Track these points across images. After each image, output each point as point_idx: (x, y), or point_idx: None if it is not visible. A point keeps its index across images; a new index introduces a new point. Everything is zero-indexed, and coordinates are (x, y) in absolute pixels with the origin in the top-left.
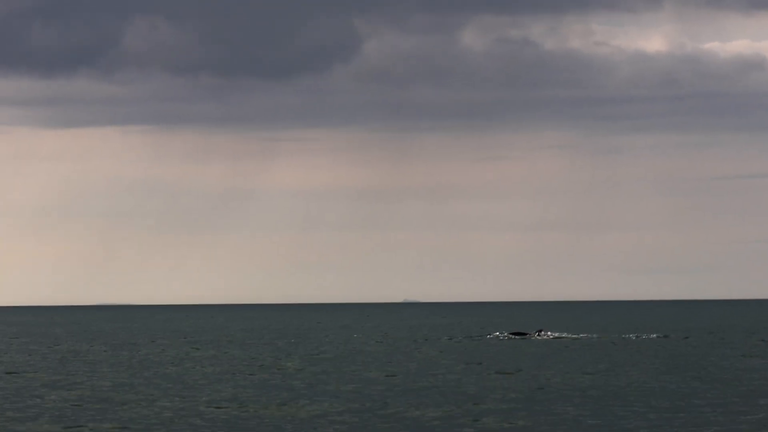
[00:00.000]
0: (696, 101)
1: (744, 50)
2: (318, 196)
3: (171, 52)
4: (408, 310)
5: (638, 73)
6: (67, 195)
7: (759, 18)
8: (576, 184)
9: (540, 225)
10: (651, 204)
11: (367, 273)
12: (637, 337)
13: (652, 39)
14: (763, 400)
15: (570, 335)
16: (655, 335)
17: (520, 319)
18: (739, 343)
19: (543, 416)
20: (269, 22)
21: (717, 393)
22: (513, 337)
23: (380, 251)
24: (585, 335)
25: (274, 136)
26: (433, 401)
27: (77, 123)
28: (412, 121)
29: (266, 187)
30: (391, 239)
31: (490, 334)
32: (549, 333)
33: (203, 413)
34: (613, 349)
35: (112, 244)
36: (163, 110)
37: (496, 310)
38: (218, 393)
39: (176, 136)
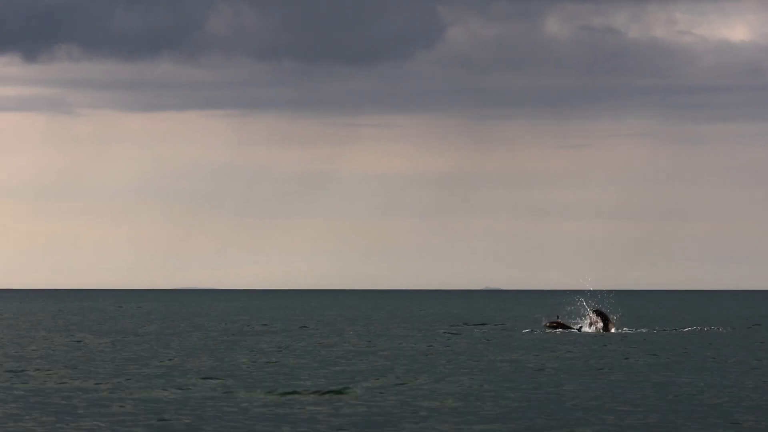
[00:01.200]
0: None
1: None
2: (398, 182)
3: (254, 37)
4: (481, 298)
5: (721, 63)
6: (148, 179)
7: None
8: (657, 173)
9: (620, 213)
10: (733, 194)
11: (446, 260)
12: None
13: (736, 28)
14: None
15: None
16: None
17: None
18: None
19: None
20: (352, 7)
21: None
22: (552, 331)
23: (460, 238)
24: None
25: (355, 122)
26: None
27: (159, 107)
28: (494, 108)
29: (346, 173)
30: (471, 226)
31: (529, 328)
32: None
33: None
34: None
35: (192, 228)
36: (245, 95)
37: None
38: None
39: (257, 121)
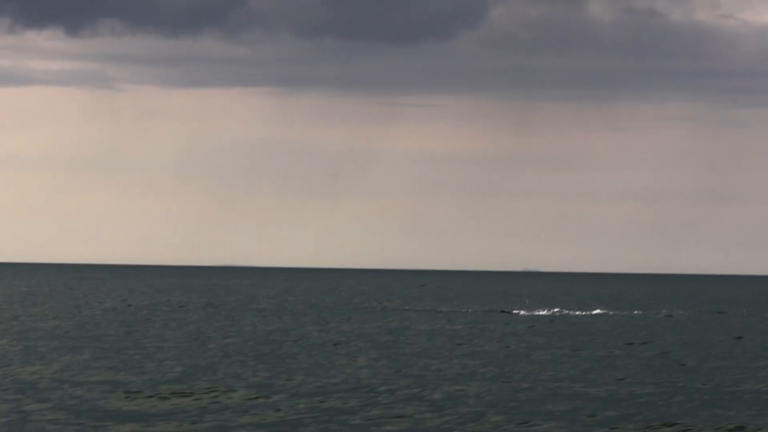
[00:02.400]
0: None
1: None
2: (440, 162)
3: (297, 14)
4: (522, 279)
5: (764, 47)
6: (190, 154)
7: None
8: (699, 156)
9: (661, 196)
10: None
11: (487, 240)
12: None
13: None
14: None
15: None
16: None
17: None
18: None
19: None
20: None
21: None
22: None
23: (501, 219)
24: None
25: (398, 101)
26: None
27: (202, 83)
28: (536, 89)
29: (388, 152)
30: (512, 207)
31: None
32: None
33: None
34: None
35: (234, 205)
36: (288, 72)
37: (608, 281)
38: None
39: (300, 99)
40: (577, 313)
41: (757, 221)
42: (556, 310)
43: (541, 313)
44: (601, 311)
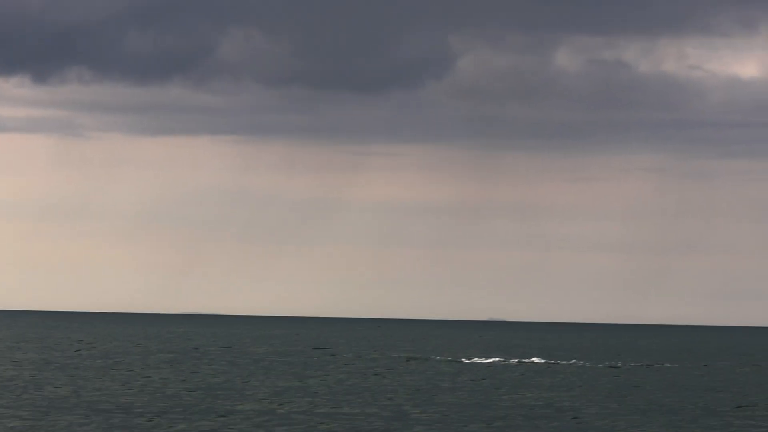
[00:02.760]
0: None
1: None
2: (405, 211)
3: (264, 63)
4: (484, 329)
5: (732, 98)
6: (156, 202)
7: None
8: (665, 208)
9: (628, 247)
10: (742, 230)
11: (452, 290)
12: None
13: (747, 64)
14: None
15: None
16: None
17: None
18: None
19: None
20: (363, 36)
21: None
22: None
23: (466, 268)
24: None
25: (364, 150)
26: None
27: (169, 131)
28: (503, 139)
29: (354, 200)
30: (477, 257)
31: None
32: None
33: None
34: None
35: (199, 253)
36: (255, 121)
37: (575, 331)
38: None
39: (267, 147)
40: (513, 361)
41: (724, 271)
42: (495, 359)
43: (480, 360)
44: (538, 360)
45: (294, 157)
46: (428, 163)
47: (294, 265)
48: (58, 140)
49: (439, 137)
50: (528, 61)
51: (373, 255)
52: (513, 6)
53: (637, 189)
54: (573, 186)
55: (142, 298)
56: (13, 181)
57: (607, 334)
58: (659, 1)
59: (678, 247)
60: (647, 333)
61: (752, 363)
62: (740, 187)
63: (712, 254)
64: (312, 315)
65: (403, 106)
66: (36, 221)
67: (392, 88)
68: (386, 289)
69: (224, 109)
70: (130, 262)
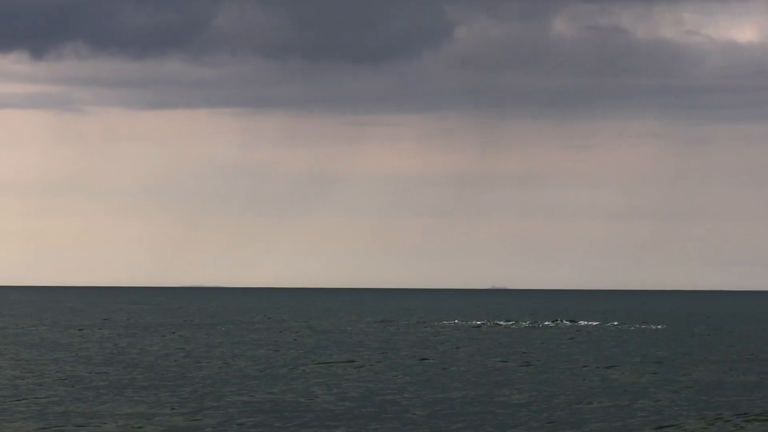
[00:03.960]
0: None
1: None
2: (405, 182)
3: (261, 36)
4: (487, 297)
5: (729, 63)
6: (156, 176)
7: None
8: (664, 173)
9: (627, 213)
10: (740, 194)
11: (454, 259)
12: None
13: (744, 28)
14: None
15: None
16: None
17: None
18: None
19: None
20: (359, 7)
21: None
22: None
23: (468, 237)
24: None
25: (363, 121)
26: None
27: (167, 105)
28: (501, 107)
29: (354, 172)
30: (478, 226)
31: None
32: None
33: None
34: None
35: (200, 226)
36: (253, 93)
37: (579, 297)
38: None
39: (265, 119)
40: (502, 323)
41: (722, 237)
42: (479, 322)
43: (472, 323)
44: (568, 322)
45: (293, 129)
46: (428, 132)
47: (295, 236)
48: (57, 115)
49: (438, 107)
50: (524, 28)
51: (374, 226)
52: None
53: (636, 155)
54: (573, 153)
55: (142, 271)
56: (12, 156)
57: (610, 299)
58: None
59: (677, 213)
60: (648, 298)
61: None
62: (739, 152)
63: (712, 219)
64: (314, 286)
65: (402, 76)
66: (35, 197)
67: (390, 58)
68: (388, 260)
69: (222, 82)
70: (129, 235)
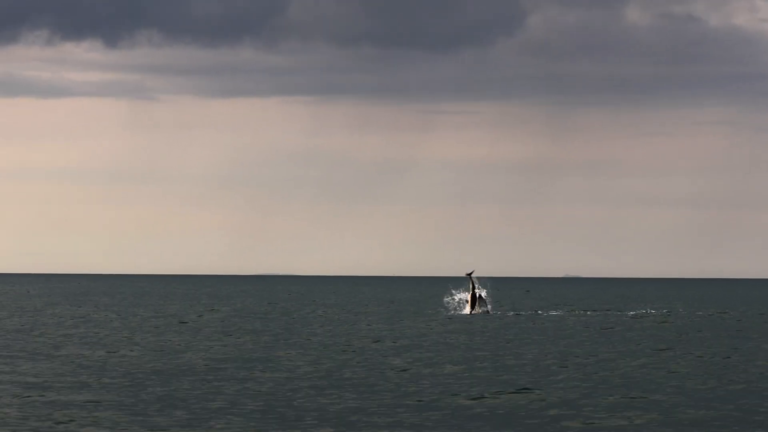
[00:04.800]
0: None
1: None
2: (477, 170)
3: (333, 23)
4: (559, 285)
5: None
6: (227, 165)
7: None
8: (737, 161)
9: (699, 202)
10: None
11: (526, 247)
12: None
13: None
14: None
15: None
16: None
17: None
18: None
19: None
20: None
21: None
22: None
23: (540, 225)
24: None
25: (435, 108)
26: None
27: (240, 93)
28: (574, 95)
29: (425, 159)
30: (550, 213)
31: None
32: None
33: None
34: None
35: (271, 214)
36: (325, 81)
37: (651, 285)
38: None
39: (337, 107)
40: (630, 314)
41: None
42: (531, 311)
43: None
44: (653, 311)
45: (364, 116)
46: (499, 121)
47: (366, 225)
48: (130, 103)
49: (510, 95)
50: (598, 16)
51: (444, 214)
52: None
53: (708, 143)
54: (644, 141)
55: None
56: (85, 145)
57: (682, 287)
58: None
59: (750, 201)
60: (719, 286)
61: None
62: None
63: None
64: (384, 274)
65: (473, 64)
66: (108, 185)
67: (462, 46)
68: (459, 248)
69: (294, 70)
70: (202, 224)
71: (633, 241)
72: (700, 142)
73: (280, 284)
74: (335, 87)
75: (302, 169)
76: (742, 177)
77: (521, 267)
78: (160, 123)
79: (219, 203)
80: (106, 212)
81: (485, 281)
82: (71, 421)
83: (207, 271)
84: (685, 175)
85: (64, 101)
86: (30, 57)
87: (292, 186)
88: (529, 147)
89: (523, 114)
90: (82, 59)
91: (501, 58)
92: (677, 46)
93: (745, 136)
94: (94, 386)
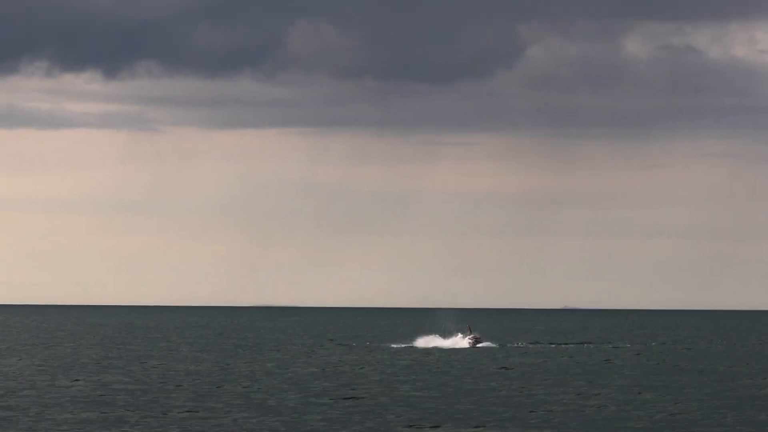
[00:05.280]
0: None
1: None
2: (478, 201)
3: (334, 56)
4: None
5: None
6: (227, 195)
7: None
8: (737, 193)
9: (700, 233)
10: None
11: (526, 278)
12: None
13: None
14: None
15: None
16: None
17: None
18: None
19: None
20: (433, 27)
21: None
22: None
23: (540, 257)
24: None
25: (436, 140)
26: None
27: (240, 124)
28: (574, 127)
29: (426, 191)
30: (550, 245)
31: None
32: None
33: None
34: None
35: (272, 245)
36: (326, 113)
37: (653, 317)
38: None
39: (337, 139)
40: (551, 344)
41: None
42: (520, 344)
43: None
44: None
45: (365, 148)
46: (500, 152)
47: (366, 256)
48: (130, 135)
49: (511, 126)
50: (598, 48)
51: (446, 245)
52: None
53: (708, 175)
54: (645, 173)
55: (215, 291)
56: (86, 176)
57: (687, 319)
58: None
59: (751, 233)
60: (722, 318)
61: None
62: None
63: None
64: (384, 306)
65: (474, 96)
66: (109, 215)
67: (462, 78)
68: (460, 279)
69: (294, 102)
70: (203, 255)
71: (633, 272)
72: (701, 173)
73: (281, 316)
74: (336, 119)
75: (303, 200)
76: (742, 208)
77: (521, 298)
78: (161, 154)
79: (219, 234)
80: (108, 243)
81: (474, 312)
82: None
83: (207, 302)
84: (685, 206)
85: (64, 132)
86: (30, 88)
87: (292, 217)
88: (530, 178)
89: (524, 146)
90: (82, 90)
91: (501, 90)
92: (677, 78)
93: (745, 167)
94: None
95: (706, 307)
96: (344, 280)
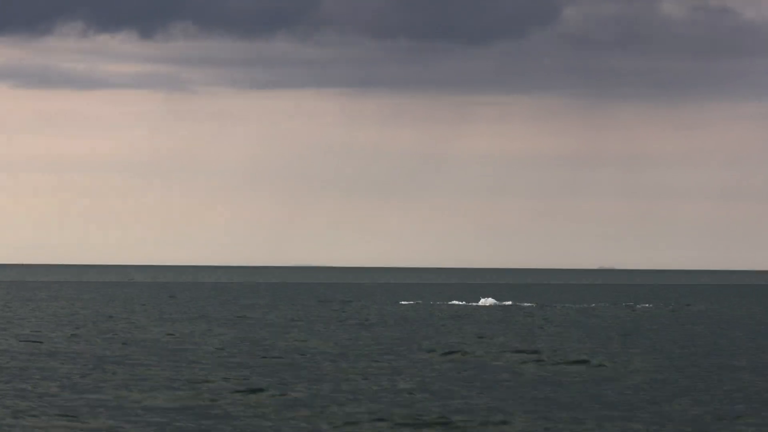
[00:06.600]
0: None
1: None
2: (511, 162)
3: (370, 16)
4: (593, 276)
5: None
6: (262, 156)
7: None
8: None
9: (735, 194)
10: None
11: (561, 239)
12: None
13: None
14: None
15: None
16: None
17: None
18: None
19: None
20: None
21: None
22: None
23: (575, 218)
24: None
25: (470, 101)
26: None
27: (275, 84)
28: (609, 88)
29: (459, 152)
30: (585, 206)
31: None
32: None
33: None
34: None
35: (305, 206)
36: (360, 73)
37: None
38: None
39: (372, 100)
40: (557, 306)
41: None
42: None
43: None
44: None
45: (400, 109)
46: (535, 113)
47: (400, 217)
48: (165, 95)
49: (545, 87)
50: (633, 8)
51: (480, 206)
52: None
53: (744, 136)
54: (681, 134)
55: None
56: (121, 136)
57: (721, 280)
58: None
59: None
60: (755, 279)
61: None
62: None
63: None
64: (418, 266)
65: (509, 56)
66: (145, 177)
67: (498, 38)
68: (494, 240)
69: (329, 62)
70: (238, 215)
71: (668, 233)
72: (737, 135)
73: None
74: (370, 79)
75: (336, 161)
76: None
77: (557, 259)
78: (196, 115)
79: (252, 196)
80: (142, 203)
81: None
82: None
83: (242, 262)
84: (721, 168)
85: (99, 93)
86: (65, 49)
87: (327, 178)
88: (566, 139)
89: (558, 106)
90: (117, 51)
91: (536, 51)
92: (712, 39)
93: None
94: None
95: (739, 267)
96: (379, 240)
